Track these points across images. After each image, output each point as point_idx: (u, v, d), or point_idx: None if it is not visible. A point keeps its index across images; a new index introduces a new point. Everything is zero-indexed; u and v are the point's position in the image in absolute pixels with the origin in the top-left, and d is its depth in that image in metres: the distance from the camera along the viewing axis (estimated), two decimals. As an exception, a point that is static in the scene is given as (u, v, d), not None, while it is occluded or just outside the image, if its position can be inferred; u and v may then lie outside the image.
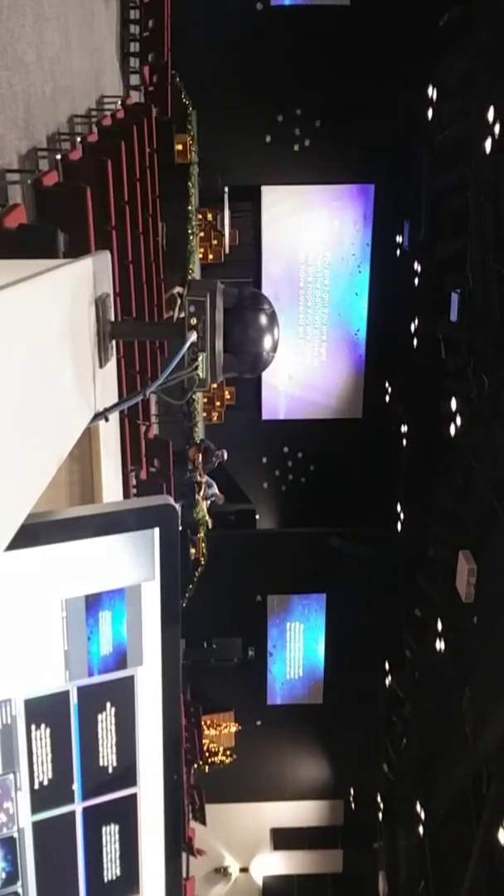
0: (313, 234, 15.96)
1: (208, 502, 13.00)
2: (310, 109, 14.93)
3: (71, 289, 1.43)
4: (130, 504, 1.29)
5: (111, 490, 1.76)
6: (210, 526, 13.42)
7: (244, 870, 17.34)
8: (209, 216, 15.01)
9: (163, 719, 1.38)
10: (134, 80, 11.49)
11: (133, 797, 1.38)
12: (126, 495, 2.31)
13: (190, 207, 13.96)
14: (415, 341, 14.51)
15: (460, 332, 11.43)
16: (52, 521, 1.18)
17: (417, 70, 12.69)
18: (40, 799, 1.26)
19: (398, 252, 15.52)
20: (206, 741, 15.73)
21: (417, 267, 14.11)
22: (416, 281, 14.21)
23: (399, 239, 15.35)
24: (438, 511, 11.95)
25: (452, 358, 11.71)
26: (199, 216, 14.64)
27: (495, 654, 9.61)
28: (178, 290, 10.08)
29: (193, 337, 1.74)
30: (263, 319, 1.84)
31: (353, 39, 13.88)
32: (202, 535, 14.13)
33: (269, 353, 1.85)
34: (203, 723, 15.56)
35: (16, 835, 1.24)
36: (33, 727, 1.22)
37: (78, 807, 1.31)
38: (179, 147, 13.74)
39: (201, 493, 12.65)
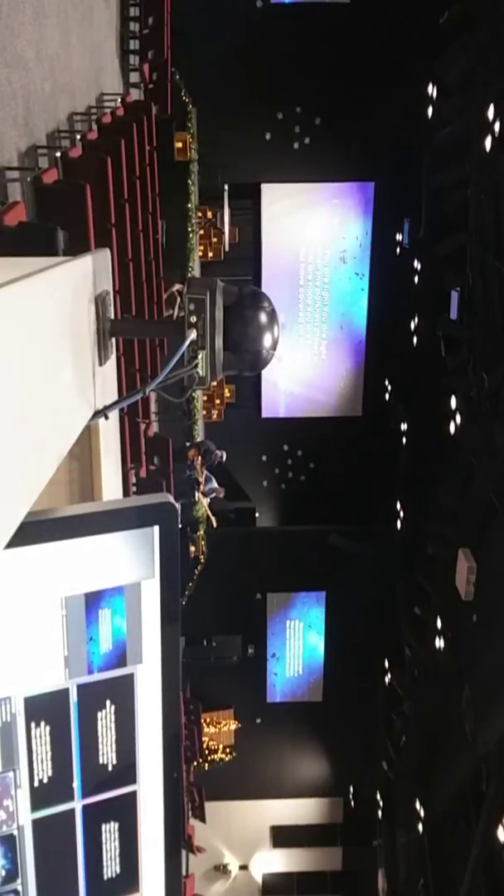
0: (313, 232, 15.96)
1: (209, 498, 12.98)
2: (310, 107, 14.91)
3: (71, 286, 1.43)
4: (130, 502, 1.30)
5: (111, 488, 1.76)
6: (215, 524, 13.41)
7: (244, 867, 17.36)
8: (209, 214, 15.00)
9: (162, 717, 1.38)
10: (134, 77, 11.48)
11: (133, 795, 1.38)
12: (126, 493, 2.31)
13: (190, 205, 13.95)
14: (414, 339, 14.50)
15: (460, 330, 11.43)
16: (52, 519, 1.18)
17: (417, 68, 12.67)
18: (40, 796, 1.26)
19: (398, 250, 15.51)
20: (205, 739, 15.74)
21: (417, 265, 14.10)
22: (416, 279, 14.21)
23: (399, 237, 15.35)
24: (438, 509, 11.95)
25: (452, 356, 11.70)
26: (199, 214, 14.63)
27: (495, 652, 9.62)
28: (177, 287, 10.06)
29: (193, 335, 1.74)
30: (263, 317, 1.83)
31: (352, 37, 13.86)
32: (202, 532, 14.13)
33: (268, 351, 1.85)
34: (203, 720, 15.57)
35: (15, 832, 1.25)
36: (33, 725, 1.22)
37: (78, 804, 1.31)
38: (179, 145, 13.74)
39: (201, 490, 12.64)
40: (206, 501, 12.92)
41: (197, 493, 12.64)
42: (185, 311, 1.75)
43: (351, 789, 17.03)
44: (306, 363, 16.61)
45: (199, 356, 1.75)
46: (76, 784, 1.30)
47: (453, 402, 11.60)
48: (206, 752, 15.82)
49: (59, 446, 1.31)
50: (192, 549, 14.15)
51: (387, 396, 16.31)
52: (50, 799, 1.27)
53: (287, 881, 17.28)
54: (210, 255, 15.31)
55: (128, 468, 7.88)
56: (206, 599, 13.97)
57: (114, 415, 1.65)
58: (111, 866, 1.38)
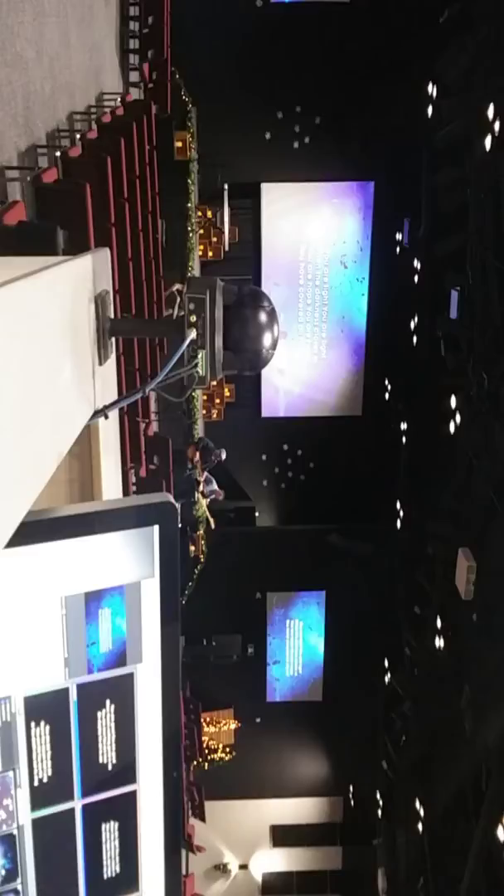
0: (313, 232, 15.95)
1: (208, 499, 12.98)
2: (309, 106, 14.91)
3: (70, 286, 1.43)
4: (130, 501, 1.30)
5: (111, 487, 1.76)
6: (213, 525, 13.40)
7: (243, 867, 17.36)
8: (209, 213, 14.99)
9: (162, 716, 1.38)
10: (133, 76, 11.48)
11: (132, 794, 1.38)
12: (125, 493, 2.31)
13: (189, 204, 13.94)
14: (414, 339, 14.50)
15: (460, 330, 11.43)
16: (52, 519, 1.18)
17: (417, 67, 12.67)
18: (40, 796, 1.26)
19: (398, 249, 15.50)
20: (205, 738, 15.73)
21: (417, 264, 14.10)
22: (416, 278, 14.20)
23: (399, 236, 15.34)
24: (438, 508, 11.95)
25: (452, 355, 11.71)
26: (199, 213, 14.62)
27: (495, 652, 9.62)
28: (177, 287, 10.06)
29: (193, 334, 1.73)
30: (263, 317, 1.83)
31: (352, 36, 13.85)
32: (202, 532, 14.12)
33: (268, 351, 1.85)
34: (202, 720, 15.57)
35: (15, 832, 1.25)
36: (33, 724, 1.22)
37: (77, 804, 1.31)
38: (179, 144, 13.72)
39: (201, 490, 12.63)
40: (205, 502, 12.93)
41: (197, 493, 12.64)
42: (185, 311, 1.75)
43: (351, 788, 17.02)
44: (306, 363, 16.61)
45: (199, 356, 1.75)
46: (76, 783, 1.30)
47: (453, 402, 11.60)
48: (206, 751, 15.81)
49: (59, 445, 1.31)
50: (192, 548, 14.14)
51: (387, 396, 16.30)
52: (50, 798, 1.27)
53: (287, 880, 17.28)
54: (210, 254, 15.29)
55: (128, 468, 7.88)
56: (206, 599, 13.97)
57: (114, 414, 1.65)
58: (111, 866, 1.38)
